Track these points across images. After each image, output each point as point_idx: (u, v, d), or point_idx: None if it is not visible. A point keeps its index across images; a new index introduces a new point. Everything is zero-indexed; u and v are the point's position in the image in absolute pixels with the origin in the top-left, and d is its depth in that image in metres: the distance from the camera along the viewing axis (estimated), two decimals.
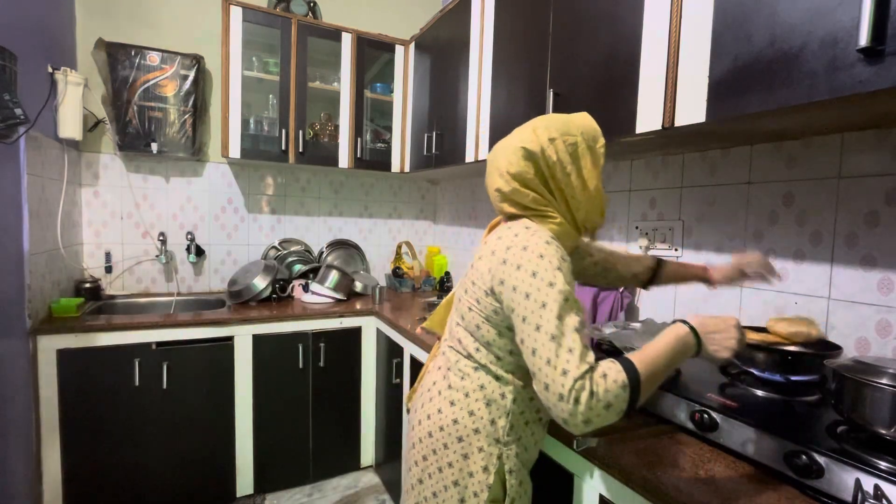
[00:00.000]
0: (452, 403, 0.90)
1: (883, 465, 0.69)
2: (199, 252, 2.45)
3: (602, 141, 0.90)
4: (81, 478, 1.77)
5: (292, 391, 2.12)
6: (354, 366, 2.25)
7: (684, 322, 0.80)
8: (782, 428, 0.81)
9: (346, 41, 2.39)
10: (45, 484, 1.72)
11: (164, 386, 1.86)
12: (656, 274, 1.15)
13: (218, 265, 2.55)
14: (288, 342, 2.09)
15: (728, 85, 0.93)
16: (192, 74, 2.26)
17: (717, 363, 0.83)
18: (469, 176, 2.58)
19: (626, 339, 1.19)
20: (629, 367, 0.72)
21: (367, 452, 2.32)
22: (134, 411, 1.83)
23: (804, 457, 0.75)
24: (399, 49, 2.54)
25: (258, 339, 2.03)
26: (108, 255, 2.30)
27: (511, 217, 0.91)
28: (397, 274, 2.76)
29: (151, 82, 2.20)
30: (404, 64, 2.55)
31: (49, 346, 1.70)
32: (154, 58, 2.20)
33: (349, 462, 2.29)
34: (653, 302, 1.54)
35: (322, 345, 2.14)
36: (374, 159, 2.55)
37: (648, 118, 1.11)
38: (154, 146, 2.21)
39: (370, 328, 2.26)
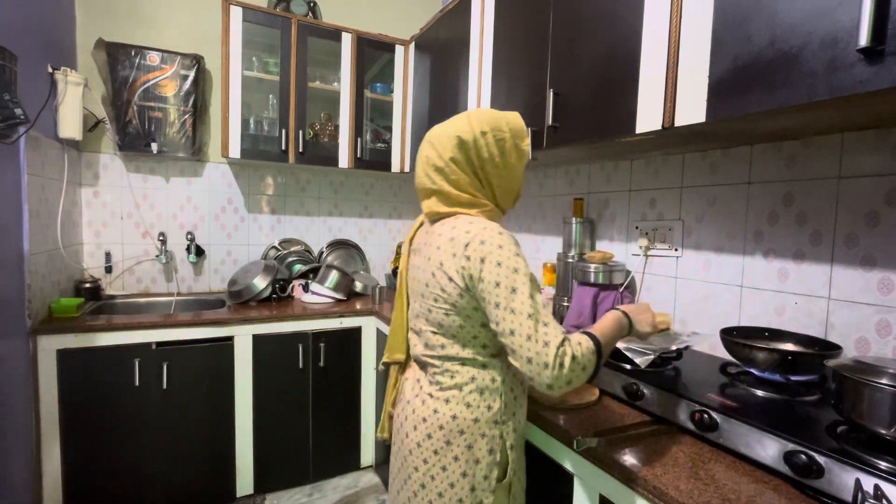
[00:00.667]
0: (447, 401, 0.93)
1: (883, 465, 0.69)
2: (199, 252, 2.45)
3: (527, 140, 0.99)
4: (81, 478, 1.77)
5: (292, 391, 2.11)
6: (354, 366, 2.25)
7: (618, 309, 0.99)
8: (782, 428, 0.81)
9: (346, 41, 2.39)
10: (45, 484, 1.72)
11: (164, 386, 1.86)
12: None
13: (218, 265, 2.55)
14: (288, 342, 2.09)
15: (728, 85, 0.93)
16: (192, 74, 2.26)
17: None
18: None
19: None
20: (594, 339, 0.86)
21: (367, 452, 2.32)
22: (134, 411, 1.83)
23: (804, 457, 0.75)
24: (399, 49, 2.54)
25: (258, 339, 2.03)
26: (108, 255, 2.30)
27: (439, 217, 0.98)
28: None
29: (151, 82, 2.20)
30: (404, 64, 2.55)
31: (49, 346, 1.70)
32: (154, 58, 2.20)
33: (349, 462, 2.29)
34: (653, 302, 1.54)
35: (322, 345, 2.14)
36: (374, 159, 2.55)
37: (648, 118, 1.11)
38: (154, 146, 2.21)
39: (370, 328, 2.26)
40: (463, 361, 0.93)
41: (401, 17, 2.85)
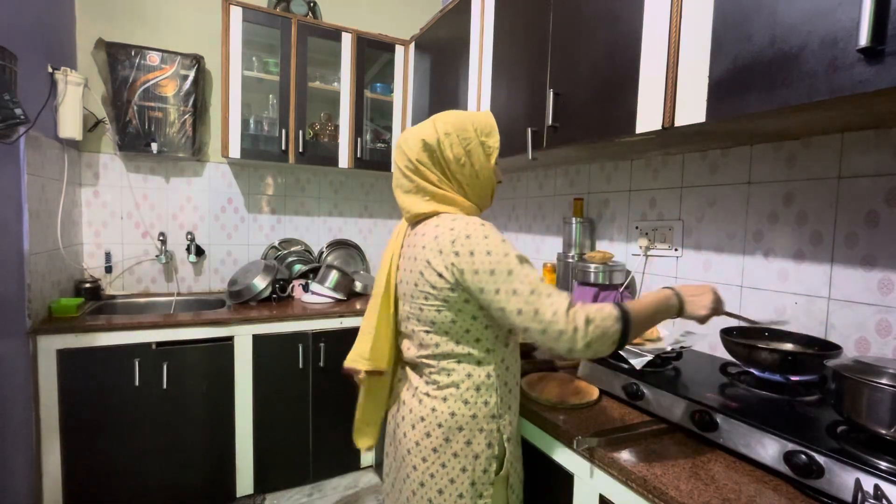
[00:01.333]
0: (445, 399, 0.94)
1: (883, 465, 0.69)
2: (199, 252, 2.45)
3: (496, 137, 1.00)
4: (81, 478, 1.77)
5: (292, 391, 2.11)
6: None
7: (670, 288, 0.95)
8: (782, 428, 0.81)
9: (346, 41, 2.39)
10: (45, 484, 1.72)
11: (164, 386, 1.86)
12: None
13: (218, 265, 2.55)
14: (288, 342, 2.09)
15: (728, 85, 0.93)
16: (192, 74, 2.26)
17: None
18: None
19: None
20: (621, 308, 0.84)
21: (368, 452, 2.32)
22: (134, 411, 1.83)
23: (804, 457, 0.75)
24: (399, 49, 2.54)
25: (258, 339, 2.03)
26: (108, 255, 2.30)
27: (420, 218, 1.00)
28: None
29: (151, 82, 2.20)
30: (404, 64, 2.55)
31: (49, 346, 1.70)
32: (154, 58, 2.20)
33: (349, 462, 2.29)
34: None
35: (322, 345, 2.14)
36: (374, 159, 2.55)
37: (648, 118, 1.11)
38: (154, 146, 2.21)
39: None
40: (458, 359, 0.94)
41: (401, 17, 2.85)
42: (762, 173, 1.24)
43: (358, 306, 2.26)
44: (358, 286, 2.49)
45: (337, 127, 2.48)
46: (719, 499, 0.74)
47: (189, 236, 2.43)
